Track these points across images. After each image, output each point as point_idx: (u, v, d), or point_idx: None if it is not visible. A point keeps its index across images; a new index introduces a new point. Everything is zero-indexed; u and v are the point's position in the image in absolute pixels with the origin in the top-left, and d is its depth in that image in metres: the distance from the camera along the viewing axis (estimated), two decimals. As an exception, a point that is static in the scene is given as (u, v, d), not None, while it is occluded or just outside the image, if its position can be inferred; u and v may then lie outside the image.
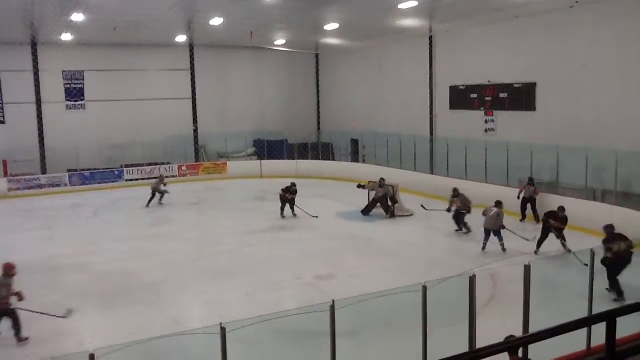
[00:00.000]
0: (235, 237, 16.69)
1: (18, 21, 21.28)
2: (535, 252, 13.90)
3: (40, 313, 9.61)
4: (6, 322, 9.46)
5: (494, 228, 14.24)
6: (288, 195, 19.09)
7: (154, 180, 22.63)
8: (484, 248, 14.32)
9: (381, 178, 19.35)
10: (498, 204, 14.53)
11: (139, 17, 20.50)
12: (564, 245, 13.76)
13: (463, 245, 15.31)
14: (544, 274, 11.68)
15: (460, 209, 16.33)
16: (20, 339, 9.44)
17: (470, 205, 16.27)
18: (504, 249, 14.18)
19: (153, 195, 21.51)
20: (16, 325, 9.42)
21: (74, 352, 8.30)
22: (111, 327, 10.12)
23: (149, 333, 8.41)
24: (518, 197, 17.52)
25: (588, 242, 11.52)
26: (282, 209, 19.12)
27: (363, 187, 19.76)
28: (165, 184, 22.11)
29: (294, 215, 19.07)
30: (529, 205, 17.50)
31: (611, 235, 10.91)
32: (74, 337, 9.68)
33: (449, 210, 16.69)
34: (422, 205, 18.33)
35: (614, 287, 10.40)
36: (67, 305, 10.18)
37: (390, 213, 18.75)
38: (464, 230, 16.24)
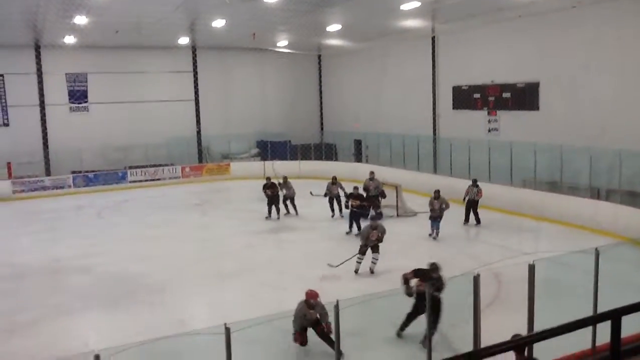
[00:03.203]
0: (238, 238, 16.69)
1: (22, 24, 21.40)
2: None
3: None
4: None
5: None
6: (269, 192, 18.70)
7: (330, 186, 19.04)
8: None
9: (371, 172, 19.10)
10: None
11: (141, 19, 20.57)
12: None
13: (467, 245, 15.31)
14: (548, 274, 11.65)
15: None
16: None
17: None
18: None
19: (331, 203, 18.98)
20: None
21: (80, 352, 8.33)
22: (116, 328, 10.12)
23: (154, 334, 8.41)
24: (464, 200, 17.33)
25: (594, 242, 11.50)
26: (271, 210, 18.83)
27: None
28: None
29: (278, 217, 18.77)
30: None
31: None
32: (79, 338, 9.72)
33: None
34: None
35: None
36: (71, 304, 10.17)
37: (375, 208, 17.69)
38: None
